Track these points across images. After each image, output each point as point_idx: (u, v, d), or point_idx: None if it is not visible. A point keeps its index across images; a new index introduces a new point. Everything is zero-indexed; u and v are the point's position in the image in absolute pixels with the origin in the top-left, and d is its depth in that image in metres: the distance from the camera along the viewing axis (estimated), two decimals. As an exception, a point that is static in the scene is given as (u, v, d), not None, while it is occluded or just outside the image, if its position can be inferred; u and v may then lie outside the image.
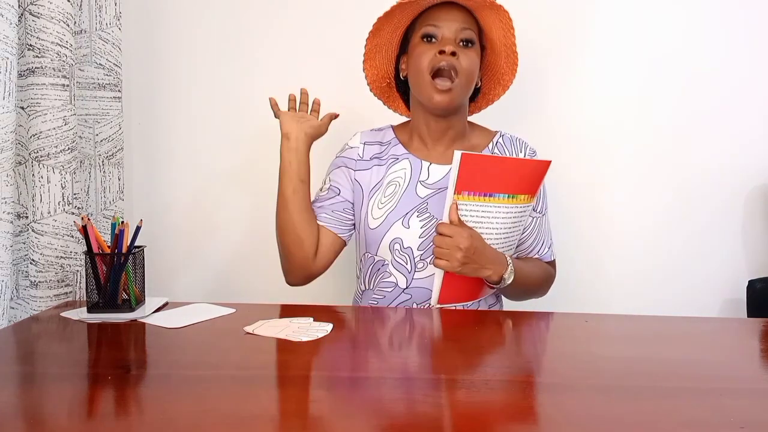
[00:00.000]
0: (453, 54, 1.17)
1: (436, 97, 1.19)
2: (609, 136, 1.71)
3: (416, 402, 0.78)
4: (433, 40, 1.20)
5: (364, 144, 1.31)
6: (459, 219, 1.14)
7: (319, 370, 0.91)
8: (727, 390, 0.82)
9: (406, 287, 1.25)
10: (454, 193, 1.13)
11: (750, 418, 0.73)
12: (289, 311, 1.12)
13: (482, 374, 0.87)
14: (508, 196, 1.14)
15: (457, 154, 1.10)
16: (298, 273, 1.26)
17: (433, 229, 1.22)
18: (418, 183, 1.26)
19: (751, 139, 1.69)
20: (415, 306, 1.24)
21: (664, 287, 1.72)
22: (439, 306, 1.22)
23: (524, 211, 1.20)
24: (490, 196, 1.13)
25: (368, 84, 1.36)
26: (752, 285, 1.59)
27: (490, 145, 1.30)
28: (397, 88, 1.36)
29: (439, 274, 1.18)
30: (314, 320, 1.07)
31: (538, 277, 1.30)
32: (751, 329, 1.16)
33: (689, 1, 1.66)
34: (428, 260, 1.22)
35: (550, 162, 1.15)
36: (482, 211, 1.15)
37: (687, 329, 1.11)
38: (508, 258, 1.19)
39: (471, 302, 1.26)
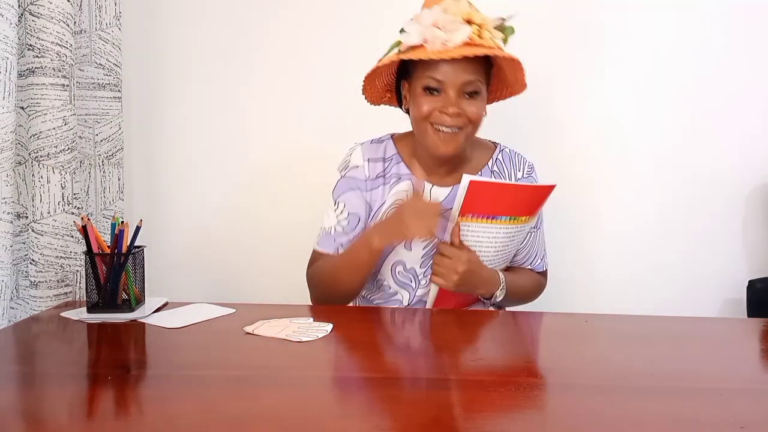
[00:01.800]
0: (458, 114, 1.13)
1: (441, 148, 1.16)
2: (609, 136, 1.71)
3: (416, 402, 0.78)
4: (435, 92, 1.14)
5: (368, 161, 1.24)
6: (460, 241, 1.15)
7: (319, 370, 0.91)
8: (727, 390, 0.82)
9: (409, 303, 1.26)
10: (459, 216, 1.14)
11: (750, 418, 0.73)
12: (289, 311, 1.11)
13: (482, 374, 0.87)
14: (510, 218, 1.16)
15: (465, 180, 1.09)
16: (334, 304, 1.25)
17: (435, 250, 1.21)
18: None
19: (751, 140, 1.69)
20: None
21: (665, 287, 1.72)
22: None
23: (522, 230, 1.21)
24: (493, 218, 1.14)
25: (368, 101, 1.30)
26: (752, 285, 1.59)
27: (490, 162, 1.27)
28: (396, 99, 1.29)
29: (434, 288, 1.20)
30: (314, 320, 1.07)
31: (528, 289, 1.32)
32: (751, 329, 1.16)
33: (690, 3, 1.66)
34: (429, 277, 1.22)
35: (554, 186, 1.14)
36: (483, 232, 1.16)
37: (687, 329, 1.11)
38: (501, 277, 1.20)
39: (470, 306, 1.27)
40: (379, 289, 1.27)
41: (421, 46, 1.11)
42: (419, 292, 1.24)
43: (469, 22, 1.10)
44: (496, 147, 1.30)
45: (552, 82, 1.69)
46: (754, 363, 0.97)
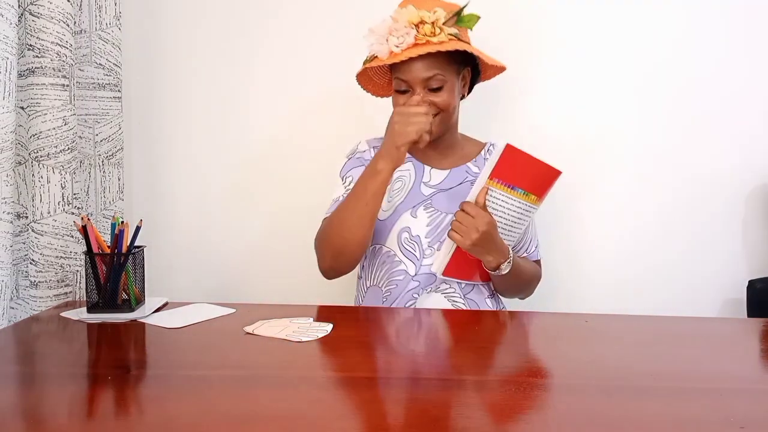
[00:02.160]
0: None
1: None
2: (609, 136, 1.70)
3: (416, 402, 0.78)
4: (406, 91, 1.25)
5: (373, 148, 1.36)
6: (485, 203, 1.18)
7: (319, 370, 0.91)
8: (727, 390, 0.82)
9: (415, 274, 1.28)
10: (488, 178, 1.19)
11: (750, 418, 0.73)
12: (289, 311, 1.12)
13: (482, 374, 0.87)
14: (524, 193, 1.22)
15: (502, 143, 1.16)
16: (344, 269, 1.27)
17: (439, 221, 1.29)
18: (422, 183, 1.33)
19: (751, 140, 1.69)
20: (422, 291, 1.28)
21: (665, 287, 1.72)
22: (441, 277, 1.26)
23: (530, 211, 1.26)
24: (513, 188, 1.20)
25: (376, 96, 1.40)
26: (752, 285, 1.59)
27: (483, 152, 1.37)
28: None
29: (448, 248, 1.23)
30: (314, 320, 1.07)
31: (529, 275, 1.36)
32: (751, 329, 1.16)
33: (691, 2, 1.66)
34: (435, 247, 1.28)
35: (560, 172, 1.21)
36: (502, 200, 1.21)
37: (687, 329, 1.11)
38: (510, 252, 1.24)
39: (468, 293, 1.30)
40: (384, 263, 1.30)
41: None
42: (424, 262, 1.28)
43: (421, 23, 1.20)
44: (487, 143, 1.40)
45: (550, 82, 1.69)
46: (754, 363, 0.97)
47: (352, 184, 1.29)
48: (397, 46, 1.21)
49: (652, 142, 1.70)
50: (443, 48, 1.19)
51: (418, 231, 1.29)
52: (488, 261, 1.21)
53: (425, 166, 1.34)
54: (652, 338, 1.04)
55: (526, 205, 1.23)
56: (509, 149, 1.16)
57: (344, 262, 1.25)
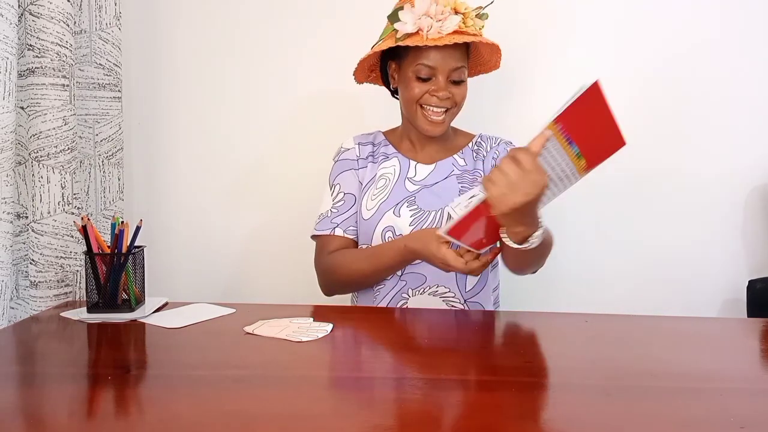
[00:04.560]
0: (447, 98, 1.23)
1: (430, 129, 1.26)
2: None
3: (416, 402, 0.78)
4: (427, 78, 1.22)
5: (358, 144, 1.35)
6: (537, 155, 0.92)
7: (319, 370, 0.91)
8: (727, 390, 0.82)
9: (402, 274, 1.27)
10: (553, 121, 0.90)
11: (750, 418, 0.73)
12: (289, 311, 1.12)
13: (482, 374, 0.87)
14: (578, 154, 0.95)
15: (590, 80, 0.87)
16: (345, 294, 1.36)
17: (423, 219, 1.26)
18: (406, 179, 1.31)
19: (751, 140, 1.69)
20: (410, 292, 1.26)
21: (665, 287, 1.72)
22: (444, 236, 1.04)
23: (571, 179, 1.01)
24: (570, 143, 0.93)
25: (355, 79, 1.36)
26: (752, 285, 1.59)
27: (471, 144, 1.36)
28: (381, 78, 1.37)
29: (467, 204, 1.03)
30: (314, 320, 1.07)
31: (550, 242, 1.16)
32: (751, 329, 1.16)
33: (689, 1, 1.66)
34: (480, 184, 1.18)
35: (625, 143, 0.96)
36: (553, 155, 0.94)
37: (687, 329, 1.11)
38: (542, 225, 1.01)
39: (471, 297, 1.28)
40: None
41: (417, 33, 1.19)
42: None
43: (455, 11, 1.19)
44: (476, 134, 1.38)
45: (550, 81, 1.69)
46: (754, 363, 0.97)
47: (338, 195, 1.32)
48: (439, 32, 1.17)
49: (652, 142, 1.70)
50: (487, 41, 1.21)
51: (401, 230, 1.25)
52: (515, 232, 0.99)
53: (410, 161, 1.32)
54: (652, 338, 1.04)
55: (572, 169, 0.97)
56: (595, 89, 0.86)
57: (348, 292, 1.35)
